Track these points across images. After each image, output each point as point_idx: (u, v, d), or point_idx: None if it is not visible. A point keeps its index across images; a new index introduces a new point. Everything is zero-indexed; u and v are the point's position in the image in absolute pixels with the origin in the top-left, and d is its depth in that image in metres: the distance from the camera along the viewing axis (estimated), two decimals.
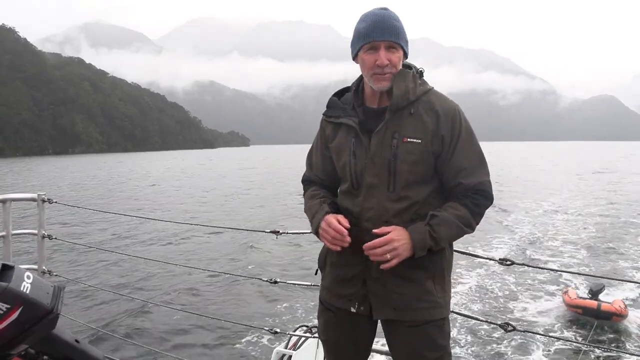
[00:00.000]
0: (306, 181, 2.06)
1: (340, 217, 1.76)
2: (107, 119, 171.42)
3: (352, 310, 1.84)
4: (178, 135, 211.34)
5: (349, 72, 1.75)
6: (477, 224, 1.79)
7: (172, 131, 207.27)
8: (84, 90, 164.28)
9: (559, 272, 10.82)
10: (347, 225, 1.73)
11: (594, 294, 8.73)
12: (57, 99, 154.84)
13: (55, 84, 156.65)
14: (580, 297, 8.76)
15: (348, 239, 1.72)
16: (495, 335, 7.67)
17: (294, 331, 3.28)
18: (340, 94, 1.95)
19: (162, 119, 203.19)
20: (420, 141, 1.73)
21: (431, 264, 1.79)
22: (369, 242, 1.69)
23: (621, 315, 8.11)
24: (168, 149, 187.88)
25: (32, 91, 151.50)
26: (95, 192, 32.99)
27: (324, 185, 2.00)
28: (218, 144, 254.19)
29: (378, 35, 1.71)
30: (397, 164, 1.74)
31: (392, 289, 1.77)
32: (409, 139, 1.73)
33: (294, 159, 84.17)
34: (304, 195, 2.04)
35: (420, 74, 1.82)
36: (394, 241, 1.66)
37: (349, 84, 1.92)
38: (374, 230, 1.70)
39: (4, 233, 3.38)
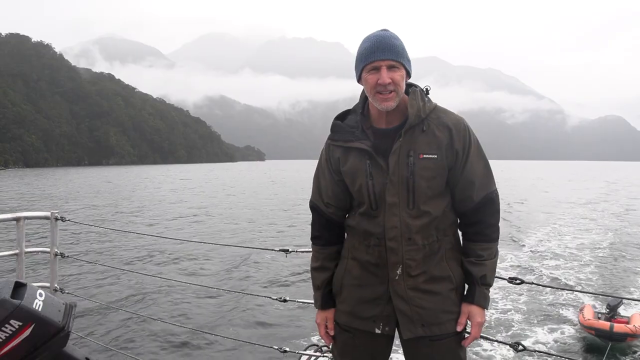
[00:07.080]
0: (314, 210, 2.02)
1: (329, 322, 1.97)
2: (137, 132, 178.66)
3: (377, 331, 1.82)
4: (202, 149, 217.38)
5: (356, 89, 1.82)
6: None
7: (197, 145, 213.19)
8: (117, 104, 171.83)
9: (571, 291, 10.95)
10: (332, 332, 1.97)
11: (612, 308, 8.52)
12: (92, 112, 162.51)
13: (91, 99, 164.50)
14: (597, 314, 8.61)
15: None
16: (506, 355, 7.45)
17: (304, 350, 3.21)
18: (342, 117, 1.93)
19: (187, 133, 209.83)
20: (436, 156, 1.75)
21: (456, 276, 1.82)
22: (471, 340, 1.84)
23: (636, 336, 7.84)
24: (193, 161, 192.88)
25: (71, 105, 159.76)
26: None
27: (330, 213, 1.97)
28: (236, 158, 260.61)
29: (379, 55, 1.73)
30: (415, 180, 1.75)
31: (419, 305, 1.77)
32: (424, 155, 1.75)
33: None
34: (312, 246, 2.04)
35: (426, 91, 1.86)
36: (478, 322, 1.79)
37: (357, 101, 1.92)
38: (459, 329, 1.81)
39: (17, 251, 3.37)
